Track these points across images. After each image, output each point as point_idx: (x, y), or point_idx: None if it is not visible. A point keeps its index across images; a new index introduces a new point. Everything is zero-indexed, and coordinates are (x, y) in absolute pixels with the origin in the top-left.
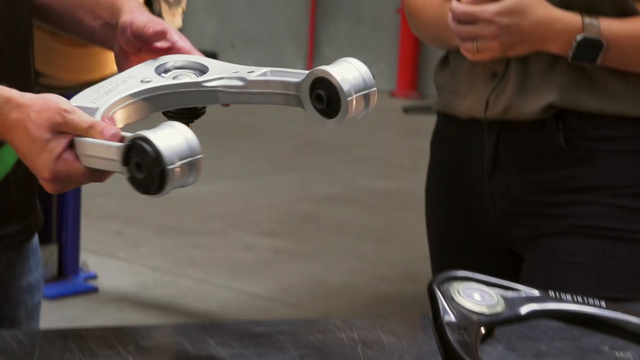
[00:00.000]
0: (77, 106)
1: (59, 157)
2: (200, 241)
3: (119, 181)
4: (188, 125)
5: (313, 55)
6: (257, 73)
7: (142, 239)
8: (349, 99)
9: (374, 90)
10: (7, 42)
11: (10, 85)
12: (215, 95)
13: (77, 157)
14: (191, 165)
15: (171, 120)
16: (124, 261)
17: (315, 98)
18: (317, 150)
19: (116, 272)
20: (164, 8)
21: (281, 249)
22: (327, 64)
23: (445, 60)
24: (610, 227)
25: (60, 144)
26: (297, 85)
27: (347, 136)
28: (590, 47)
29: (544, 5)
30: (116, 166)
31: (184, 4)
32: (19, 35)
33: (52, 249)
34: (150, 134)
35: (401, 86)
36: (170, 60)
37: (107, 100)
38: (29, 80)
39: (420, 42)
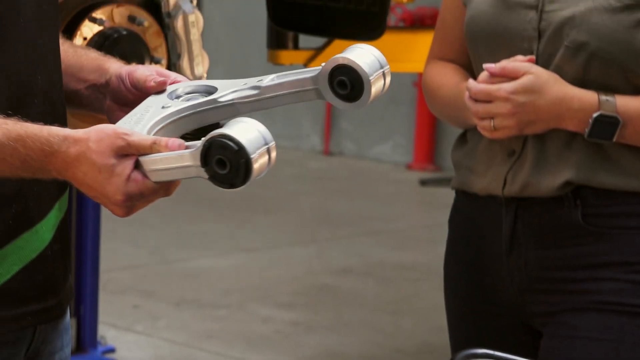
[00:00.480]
0: (153, 158)
1: (128, 178)
2: (218, 314)
3: (136, 255)
4: None
5: (330, 129)
6: (267, 80)
7: (160, 312)
8: (371, 78)
9: (388, 68)
10: (47, 122)
11: None
12: (234, 108)
13: (145, 175)
14: (269, 151)
15: (187, 140)
16: (141, 334)
17: (338, 85)
18: (334, 222)
19: (134, 346)
20: None
21: (299, 322)
22: (344, 138)
23: (462, 138)
24: (628, 302)
25: (127, 165)
26: (314, 79)
27: (364, 209)
28: (607, 124)
29: (559, 82)
30: (192, 171)
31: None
32: (58, 115)
33: (70, 323)
34: (226, 131)
35: (418, 159)
36: (179, 87)
37: (142, 128)
38: None
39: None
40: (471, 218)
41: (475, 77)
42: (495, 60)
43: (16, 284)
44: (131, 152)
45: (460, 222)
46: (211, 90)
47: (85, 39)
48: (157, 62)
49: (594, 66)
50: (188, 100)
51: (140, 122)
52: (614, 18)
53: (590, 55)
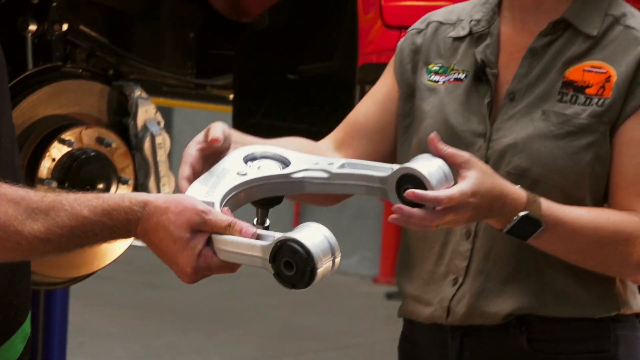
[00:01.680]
0: (226, 239)
1: (200, 254)
2: None
3: None
4: (267, 212)
5: None
6: (336, 165)
7: None
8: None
9: (453, 182)
10: None
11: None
12: (302, 185)
13: (214, 252)
14: (334, 260)
15: (255, 205)
16: None
17: (405, 192)
18: (301, 336)
19: None
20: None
21: None
22: None
23: (405, 264)
24: None
25: (200, 241)
26: (382, 179)
27: (331, 322)
28: (529, 225)
29: (495, 177)
30: (258, 262)
31: None
32: None
33: None
34: (297, 235)
35: (384, 273)
36: (257, 150)
37: (218, 194)
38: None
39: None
40: (418, 346)
41: None
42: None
43: None
44: (206, 230)
45: (408, 350)
46: (285, 162)
47: (54, 160)
48: (124, 182)
49: (537, 192)
50: (259, 167)
51: (217, 187)
52: (555, 144)
53: (533, 181)
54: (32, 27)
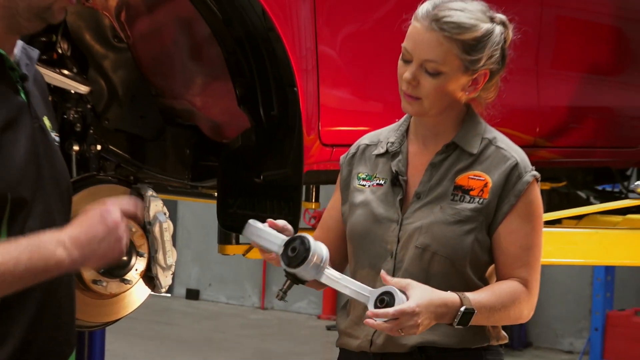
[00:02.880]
0: (262, 228)
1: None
2: None
3: None
4: (292, 285)
5: (265, 291)
6: (348, 276)
7: None
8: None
9: (405, 299)
10: None
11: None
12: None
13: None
14: (318, 265)
15: (286, 276)
16: None
17: (380, 302)
18: (267, 357)
19: None
20: (159, 271)
21: None
22: (275, 297)
23: (344, 309)
24: None
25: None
26: (370, 292)
27: (288, 347)
28: (467, 315)
29: (433, 291)
30: (275, 247)
31: (172, 268)
32: None
33: None
34: (310, 238)
35: (325, 311)
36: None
37: (270, 231)
38: None
39: None
40: None
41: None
42: (367, 255)
43: None
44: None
45: None
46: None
47: None
48: (141, 255)
49: (435, 262)
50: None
51: (274, 231)
52: (449, 228)
53: (432, 254)
54: (75, 147)
